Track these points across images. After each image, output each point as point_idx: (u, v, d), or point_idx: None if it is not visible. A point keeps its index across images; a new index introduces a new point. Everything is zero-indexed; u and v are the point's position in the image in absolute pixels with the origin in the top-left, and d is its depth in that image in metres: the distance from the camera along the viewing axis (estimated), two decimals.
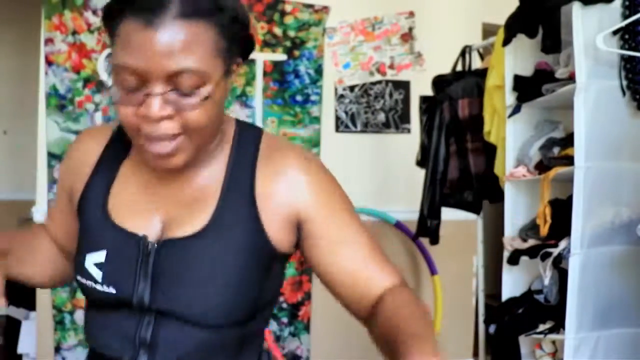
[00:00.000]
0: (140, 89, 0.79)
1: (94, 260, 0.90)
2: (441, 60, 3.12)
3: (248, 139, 0.94)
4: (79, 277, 0.92)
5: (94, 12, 2.83)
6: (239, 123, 0.97)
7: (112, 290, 0.89)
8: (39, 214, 2.83)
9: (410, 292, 0.91)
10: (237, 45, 0.86)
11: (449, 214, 2.96)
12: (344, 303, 0.96)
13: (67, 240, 1.05)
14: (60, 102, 2.82)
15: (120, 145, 0.97)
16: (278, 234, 0.90)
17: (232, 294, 0.87)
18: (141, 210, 0.92)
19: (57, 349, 2.84)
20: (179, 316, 0.87)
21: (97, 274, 0.89)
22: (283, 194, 0.90)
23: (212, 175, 0.92)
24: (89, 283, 0.90)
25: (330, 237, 0.91)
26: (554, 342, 2.38)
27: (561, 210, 2.24)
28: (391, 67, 3.33)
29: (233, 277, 0.87)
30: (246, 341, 0.92)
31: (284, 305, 3.16)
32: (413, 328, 0.80)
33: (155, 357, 0.88)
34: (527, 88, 2.41)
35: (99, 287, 0.89)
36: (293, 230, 0.92)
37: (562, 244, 2.17)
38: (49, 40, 2.79)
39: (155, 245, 0.89)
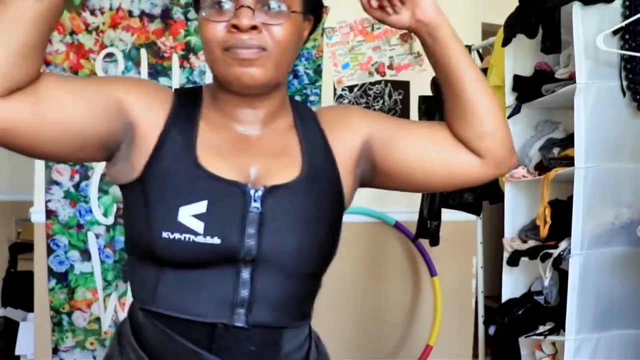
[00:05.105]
0: (232, 5, 0.89)
1: (191, 212, 0.86)
2: None
3: (303, 107, 1.06)
4: (165, 234, 0.86)
5: (92, 12, 2.82)
6: (290, 98, 1.06)
7: (217, 241, 0.86)
8: (36, 214, 2.82)
9: None
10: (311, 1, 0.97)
11: (448, 215, 2.95)
12: (440, 165, 1.03)
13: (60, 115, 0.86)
14: None
15: (189, 108, 0.96)
16: (348, 185, 0.99)
17: (323, 238, 0.94)
18: (233, 162, 0.92)
19: (55, 351, 2.83)
20: (279, 263, 0.89)
21: (198, 225, 0.86)
22: (348, 133, 1.00)
23: (285, 135, 0.98)
24: (185, 237, 0.85)
25: (395, 131, 1.02)
26: (554, 344, 2.37)
27: (561, 211, 2.23)
28: (390, 67, 3.32)
29: (323, 224, 0.94)
30: (314, 296, 0.99)
31: None
32: None
33: (251, 315, 0.89)
34: (526, 88, 2.40)
35: (199, 239, 0.85)
36: (357, 169, 1.01)
37: (562, 245, 2.17)
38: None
39: (261, 191, 0.90)
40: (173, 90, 1.00)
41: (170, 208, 0.87)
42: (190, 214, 0.86)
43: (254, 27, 0.88)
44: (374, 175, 1.03)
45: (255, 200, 0.89)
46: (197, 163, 0.90)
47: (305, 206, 0.93)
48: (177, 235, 0.86)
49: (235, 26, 0.87)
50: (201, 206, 0.87)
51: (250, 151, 0.94)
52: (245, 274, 0.89)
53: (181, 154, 0.90)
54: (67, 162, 0.96)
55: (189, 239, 0.86)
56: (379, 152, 1.01)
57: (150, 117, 0.92)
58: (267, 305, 0.90)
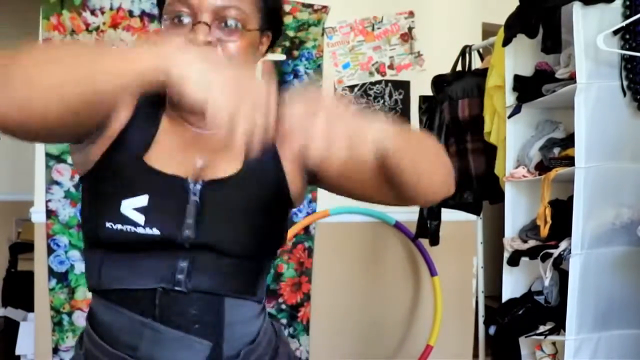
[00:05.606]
0: (190, 21, 0.92)
1: (132, 205, 0.92)
2: (441, 60, 3.11)
3: None
4: (108, 224, 0.92)
5: (92, 12, 2.82)
6: None
7: (156, 232, 0.91)
8: (37, 214, 2.82)
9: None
10: (270, 17, 1.00)
11: (448, 215, 2.95)
12: (370, 188, 1.00)
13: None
14: None
15: (153, 100, 1.00)
16: (294, 182, 1.03)
17: (260, 229, 0.98)
18: (179, 159, 0.98)
19: (55, 350, 2.83)
20: (216, 249, 0.94)
21: (138, 217, 0.91)
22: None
23: None
24: (126, 227, 0.91)
25: None
26: (554, 344, 2.37)
27: (561, 211, 2.23)
28: (391, 67, 3.32)
29: (262, 215, 0.99)
30: (258, 275, 1.03)
31: (283, 307, 3.15)
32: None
33: (190, 281, 0.93)
34: (527, 88, 2.40)
35: (139, 230, 0.91)
36: (302, 172, 1.04)
37: (563, 245, 2.17)
38: (47, 40, 2.78)
39: (200, 185, 0.96)
40: None
41: (114, 200, 0.93)
42: (132, 207, 0.92)
43: (209, 43, 0.91)
44: (316, 181, 1.06)
45: (194, 194, 0.95)
46: (142, 160, 0.95)
47: (243, 199, 0.98)
48: (119, 226, 0.91)
49: (191, 42, 0.91)
50: (142, 200, 0.92)
51: (197, 148, 0.99)
52: (185, 254, 0.94)
53: (132, 151, 0.95)
54: (33, 141, 0.96)
55: (131, 229, 0.91)
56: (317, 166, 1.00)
57: (121, 109, 0.96)
58: (206, 274, 0.95)
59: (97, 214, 0.94)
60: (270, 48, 1.07)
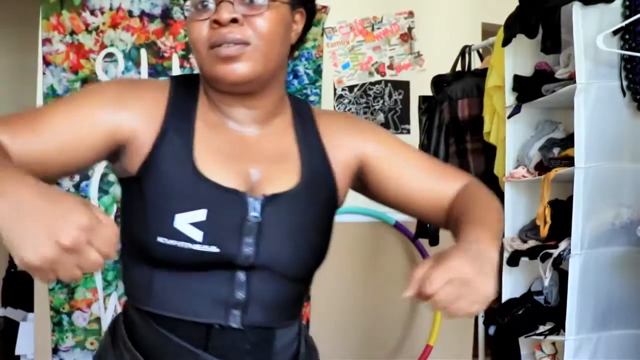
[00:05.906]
0: (214, 5, 0.88)
1: (188, 219, 0.85)
2: (441, 60, 3.11)
3: (302, 105, 1.04)
4: (161, 239, 0.85)
5: (92, 12, 2.82)
6: (290, 95, 1.05)
7: (215, 250, 0.86)
8: None
9: (477, 186, 1.02)
10: None
11: None
12: (424, 217, 1.07)
13: (47, 164, 0.85)
14: None
15: (185, 100, 0.94)
16: (343, 188, 1.00)
17: (317, 246, 0.95)
18: (231, 167, 0.91)
19: (55, 350, 2.83)
20: (275, 269, 0.91)
21: (196, 233, 0.85)
22: (347, 144, 1.00)
23: (283, 137, 0.98)
24: (182, 244, 0.85)
25: (394, 165, 1.01)
26: (554, 344, 2.37)
27: (561, 211, 2.23)
28: (390, 67, 3.32)
29: (318, 230, 0.95)
30: (305, 294, 1.03)
31: None
32: (475, 215, 0.92)
33: (246, 316, 0.90)
34: (527, 88, 2.40)
35: (197, 247, 0.85)
36: (350, 181, 1.02)
37: (562, 245, 2.17)
38: (47, 41, 2.78)
39: (260, 200, 0.90)
40: (169, 79, 0.98)
41: (166, 214, 0.86)
42: (188, 222, 0.86)
43: (235, 20, 0.86)
44: (364, 193, 1.06)
45: (254, 210, 0.89)
46: (196, 169, 0.89)
47: (303, 215, 0.93)
48: (173, 242, 0.85)
49: (216, 21, 0.86)
50: (200, 214, 0.86)
51: (248, 154, 0.93)
52: (242, 277, 0.90)
53: (179, 157, 0.89)
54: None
55: (186, 246, 0.85)
56: (373, 183, 1.02)
57: (146, 124, 0.90)
58: (261, 307, 0.91)
59: (147, 225, 0.87)
60: (306, 31, 1.00)
